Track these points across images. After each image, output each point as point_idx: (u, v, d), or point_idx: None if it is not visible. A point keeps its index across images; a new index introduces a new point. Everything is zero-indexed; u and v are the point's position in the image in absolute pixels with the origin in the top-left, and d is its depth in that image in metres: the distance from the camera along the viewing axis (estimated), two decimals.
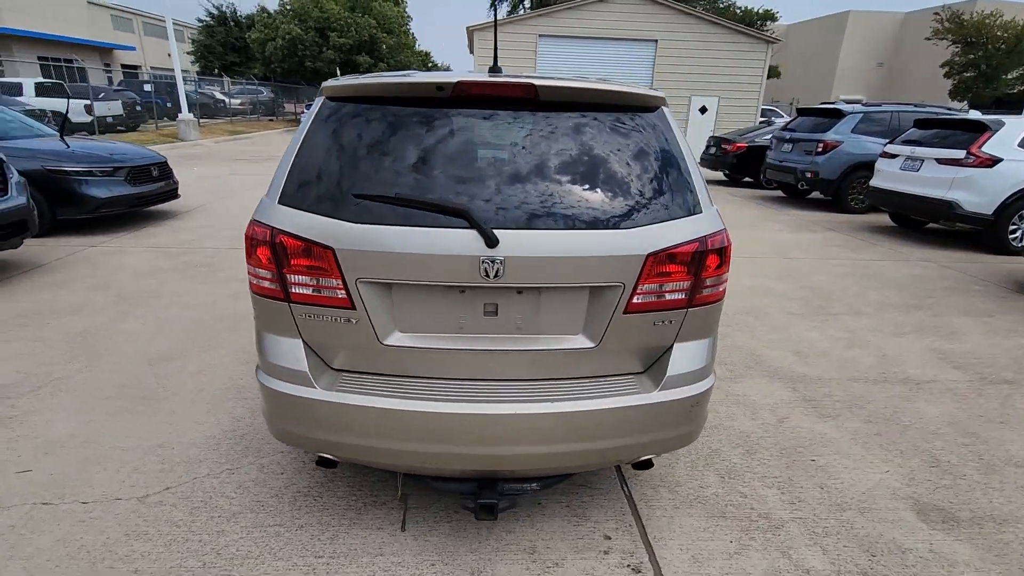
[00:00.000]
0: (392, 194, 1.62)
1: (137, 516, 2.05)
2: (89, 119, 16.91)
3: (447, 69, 47.99)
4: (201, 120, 20.78)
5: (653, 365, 1.84)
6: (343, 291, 1.66)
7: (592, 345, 1.75)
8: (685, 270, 1.72)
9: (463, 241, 1.59)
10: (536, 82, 1.70)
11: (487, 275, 1.61)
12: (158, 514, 2.06)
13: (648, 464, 1.95)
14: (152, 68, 41.79)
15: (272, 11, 27.93)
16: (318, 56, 25.95)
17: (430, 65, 50.12)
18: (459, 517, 2.10)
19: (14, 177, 4.60)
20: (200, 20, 32.65)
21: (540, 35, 16.14)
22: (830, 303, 4.68)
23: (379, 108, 1.76)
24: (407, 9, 50.34)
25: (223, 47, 31.67)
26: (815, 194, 10.19)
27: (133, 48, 40.72)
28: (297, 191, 1.70)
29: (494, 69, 1.98)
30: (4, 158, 4.55)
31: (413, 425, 1.68)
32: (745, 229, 7.63)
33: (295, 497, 2.18)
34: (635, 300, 1.70)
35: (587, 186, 1.68)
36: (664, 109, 1.89)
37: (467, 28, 16.35)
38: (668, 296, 1.73)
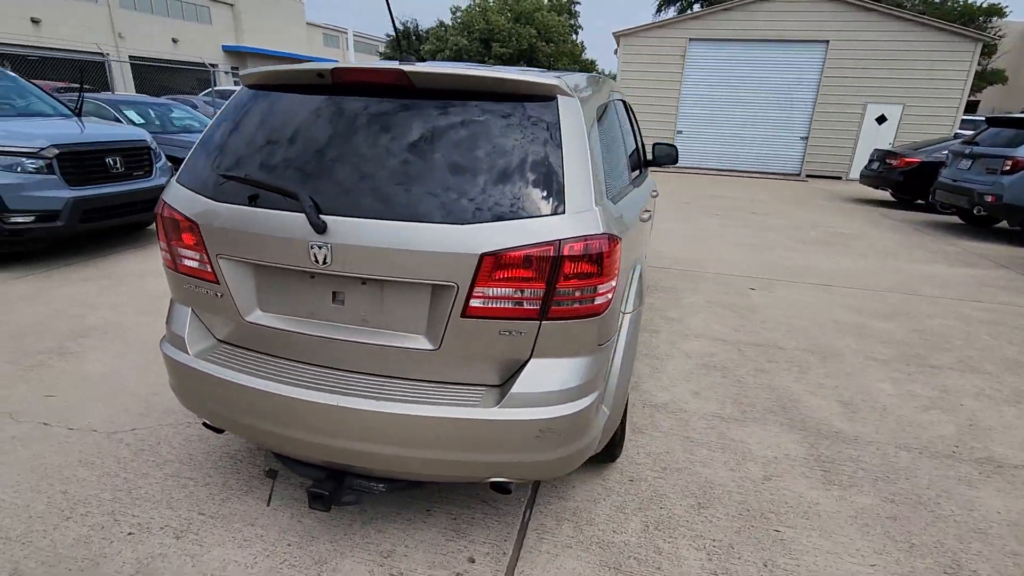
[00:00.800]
0: (243, 175, 1.68)
1: (97, 448, 2.38)
2: None
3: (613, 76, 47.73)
4: None
5: (509, 379, 1.66)
6: (209, 265, 1.76)
7: (432, 347, 1.63)
8: (534, 276, 1.53)
9: (296, 225, 1.60)
10: (406, 68, 1.65)
11: (317, 261, 1.59)
12: (112, 450, 2.37)
13: (506, 489, 1.76)
14: None
15: (447, 24, 30.30)
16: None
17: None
18: (341, 505, 2.10)
19: (160, 162, 5.59)
20: (388, 35, 36.52)
21: (691, 39, 15.28)
22: (937, 353, 3.77)
23: (278, 95, 1.84)
24: (579, 19, 50.98)
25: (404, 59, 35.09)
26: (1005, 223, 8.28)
27: (336, 61, 46.97)
28: (190, 171, 1.84)
29: (403, 59, 1.94)
30: (155, 146, 5.56)
31: (263, 404, 1.72)
32: (879, 257, 6.47)
33: (221, 457, 2.36)
34: (472, 304, 1.56)
35: (436, 177, 1.58)
36: (561, 99, 1.69)
37: (613, 33, 16.11)
38: (513, 304, 1.56)
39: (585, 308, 1.60)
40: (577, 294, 1.58)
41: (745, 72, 15.30)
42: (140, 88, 25.25)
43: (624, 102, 3.19)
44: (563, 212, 1.55)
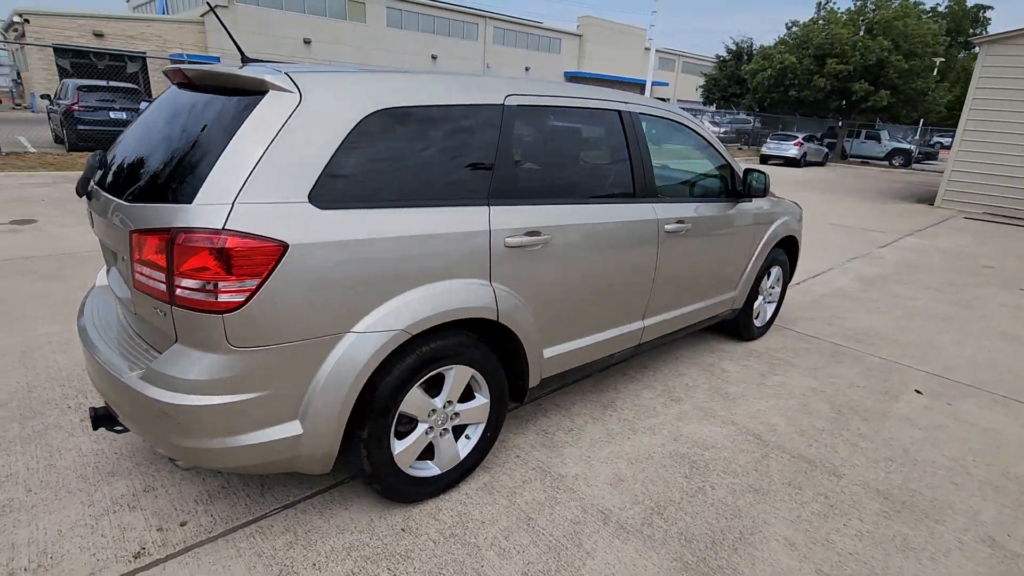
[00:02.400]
0: (98, 152, 2.15)
1: None
2: None
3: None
4: None
5: None
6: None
7: (135, 312, 1.82)
8: (160, 260, 1.59)
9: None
10: (183, 68, 1.89)
11: (91, 224, 1.96)
12: None
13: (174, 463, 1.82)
14: (678, 100, 48.21)
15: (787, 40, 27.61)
16: (806, 85, 24.31)
17: None
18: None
19: None
20: (718, 56, 35.42)
21: None
22: None
23: (174, 91, 2.27)
24: (988, 27, 40.32)
25: (728, 79, 33.54)
26: None
27: (666, 84, 48.02)
28: None
29: (245, 61, 2.13)
30: None
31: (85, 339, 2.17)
32: None
33: None
34: (135, 277, 1.69)
35: (147, 158, 1.79)
36: (273, 95, 1.67)
37: (974, 39, 12.21)
38: (153, 283, 1.64)
39: (205, 303, 1.56)
40: (198, 286, 1.56)
41: None
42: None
43: (630, 114, 2.67)
44: (190, 202, 1.55)
